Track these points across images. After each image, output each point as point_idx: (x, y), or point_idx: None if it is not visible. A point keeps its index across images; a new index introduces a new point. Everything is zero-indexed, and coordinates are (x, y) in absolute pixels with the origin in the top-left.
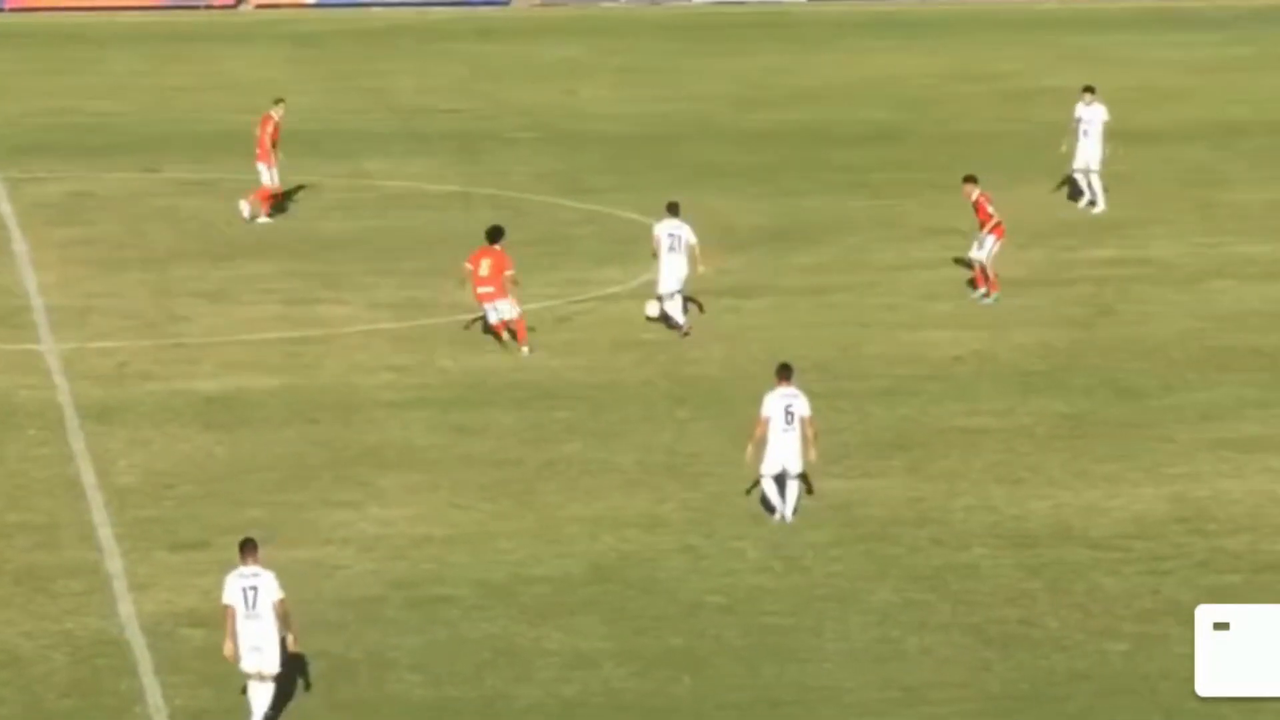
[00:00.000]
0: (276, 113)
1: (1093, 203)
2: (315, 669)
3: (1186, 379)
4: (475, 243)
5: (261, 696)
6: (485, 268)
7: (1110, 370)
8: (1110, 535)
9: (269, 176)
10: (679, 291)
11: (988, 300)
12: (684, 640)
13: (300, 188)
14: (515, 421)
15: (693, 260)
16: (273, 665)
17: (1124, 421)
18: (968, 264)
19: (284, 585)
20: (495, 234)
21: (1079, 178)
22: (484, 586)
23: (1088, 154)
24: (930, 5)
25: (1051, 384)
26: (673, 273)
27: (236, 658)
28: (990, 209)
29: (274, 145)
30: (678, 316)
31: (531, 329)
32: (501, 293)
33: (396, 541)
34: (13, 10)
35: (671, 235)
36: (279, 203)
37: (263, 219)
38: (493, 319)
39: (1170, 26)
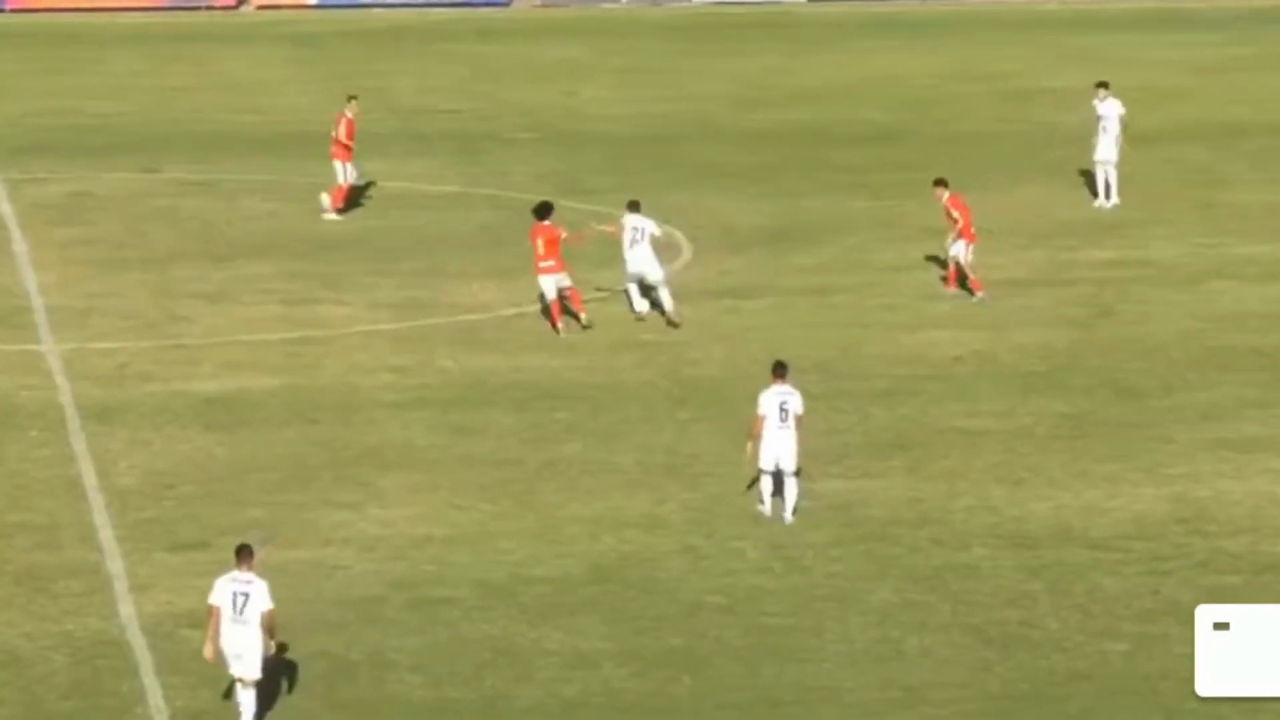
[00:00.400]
0: (351, 109)
1: (1106, 197)
2: (315, 669)
3: (1187, 379)
4: (476, 243)
5: (246, 702)
6: (541, 245)
7: (1110, 371)
8: (1110, 536)
9: (344, 173)
10: (652, 283)
11: (979, 297)
12: (684, 640)
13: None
14: (515, 422)
15: (658, 250)
16: (253, 672)
17: (1124, 422)
18: (944, 263)
19: (275, 594)
20: (544, 209)
21: (1098, 171)
22: (484, 587)
23: (1106, 149)
24: (930, 6)
25: (1051, 384)
26: (636, 265)
27: (218, 659)
28: (955, 213)
29: (348, 143)
30: (639, 305)
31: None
32: (560, 266)
33: (397, 542)
34: (13, 10)
35: (635, 229)
36: (351, 200)
37: (331, 215)
38: (550, 295)
39: (1170, 27)
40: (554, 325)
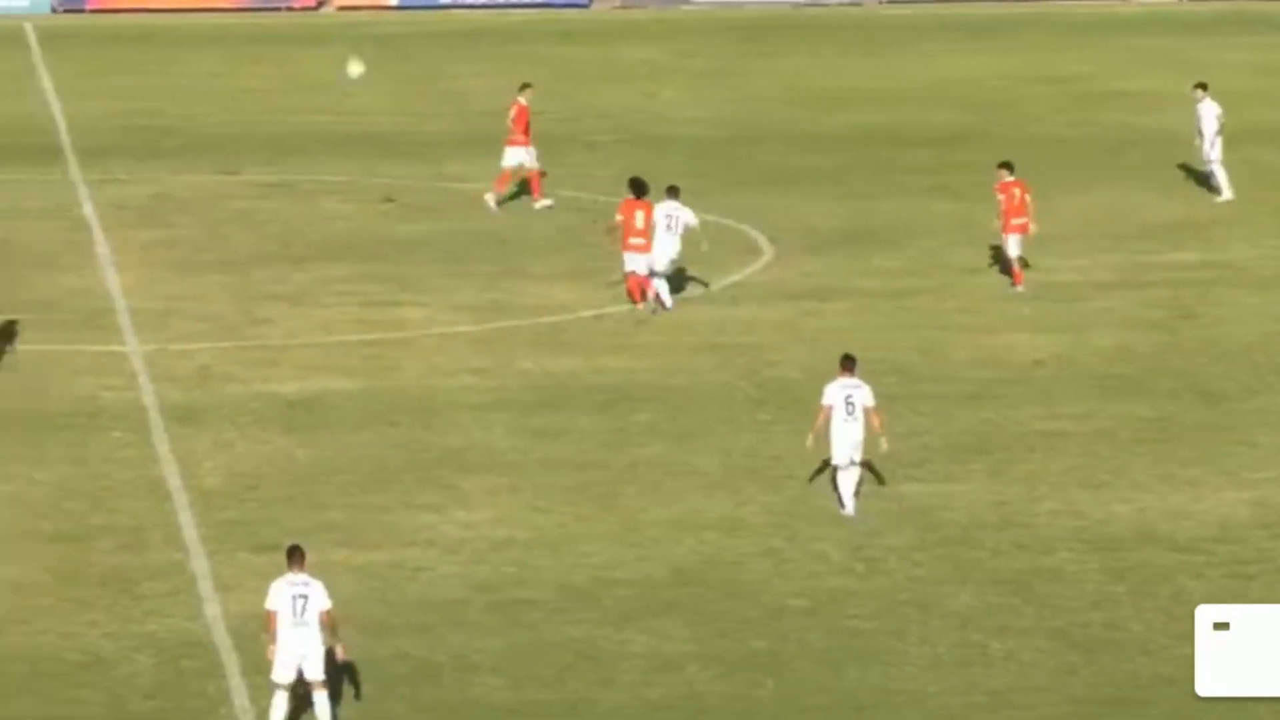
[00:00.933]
0: (524, 97)
1: (1217, 191)
2: (398, 671)
3: (1268, 382)
4: (556, 245)
5: (319, 703)
6: (640, 220)
7: (1192, 374)
8: (1194, 539)
9: (527, 159)
10: (665, 273)
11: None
12: (767, 643)
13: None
14: (595, 424)
15: (689, 241)
16: (319, 673)
17: (1206, 425)
18: (1023, 264)
19: (335, 594)
20: (643, 187)
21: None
22: (566, 589)
23: (1204, 149)
24: (1002, 7)
25: (1133, 387)
26: (664, 253)
27: (276, 665)
28: (1000, 196)
29: (525, 131)
30: (665, 298)
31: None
32: (649, 246)
33: (478, 544)
34: (94, 11)
35: (669, 216)
36: (520, 185)
37: (544, 203)
38: (643, 270)
39: (1243, 29)
40: (635, 300)
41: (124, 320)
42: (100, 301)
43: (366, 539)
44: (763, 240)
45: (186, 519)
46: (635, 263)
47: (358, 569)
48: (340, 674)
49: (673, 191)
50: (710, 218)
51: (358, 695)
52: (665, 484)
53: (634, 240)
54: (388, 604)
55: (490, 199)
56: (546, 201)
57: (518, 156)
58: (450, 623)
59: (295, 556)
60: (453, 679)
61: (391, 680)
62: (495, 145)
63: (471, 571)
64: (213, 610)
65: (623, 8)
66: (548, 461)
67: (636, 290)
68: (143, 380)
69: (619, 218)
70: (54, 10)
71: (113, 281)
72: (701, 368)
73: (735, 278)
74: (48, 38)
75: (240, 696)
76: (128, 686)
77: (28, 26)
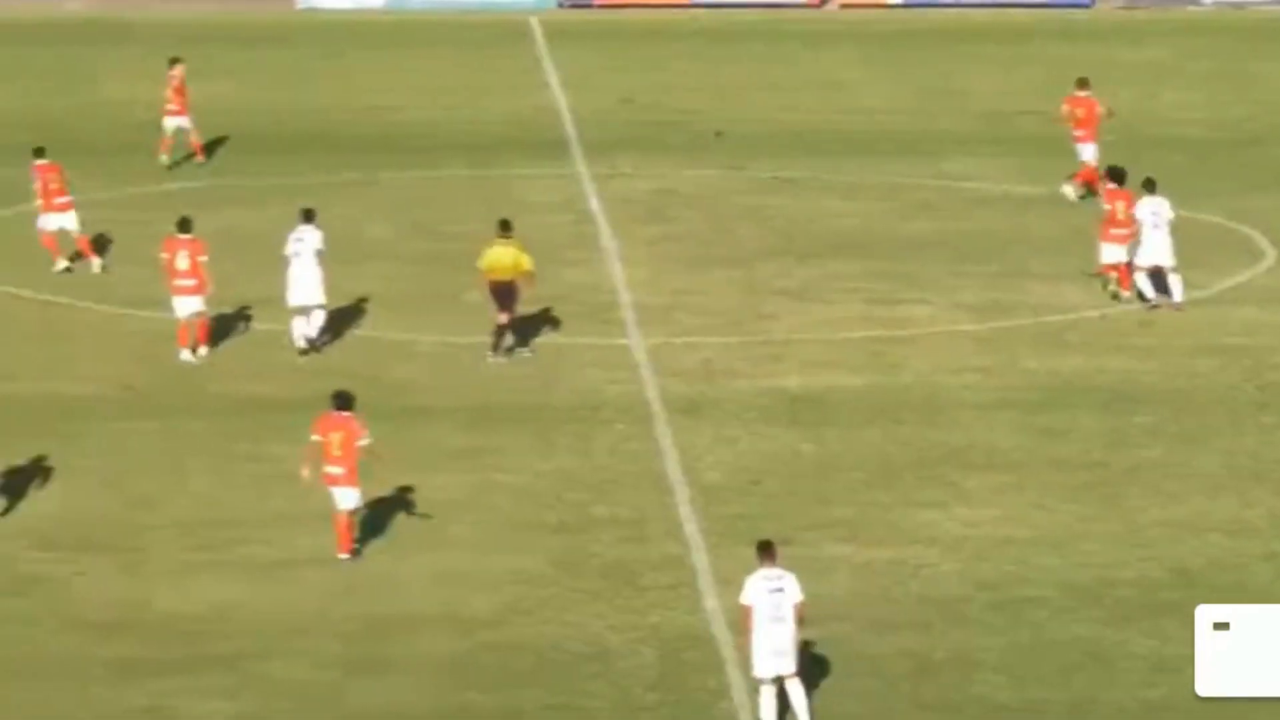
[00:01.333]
0: (1083, 92)
1: None
2: (900, 668)
3: None
4: (1062, 246)
5: (796, 697)
6: (1120, 210)
7: None
8: None
9: (1088, 154)
10: (1165, 267)
11: None
12: None
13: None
14: (1097, 424)
15: (1175, 236)
16: (794, 666)
17: None
18: None
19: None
20: (1123, 175)
21: None
22: (1069, 588)
23: None
24: None
25: None
26: (1152, 249)
27: (753, 661)
28: None
29: (1085, 124)
30: (1148, 292)
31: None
32: (1130, 236)
33: (981, 542)
34: (601, 6)
35: (1154, 214)
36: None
37: (1069, 192)
38: (1112, 260)
39: None
40: (1125, 289)
41: (628, 314)
42: (606, 295)
43: (869, 535)
44: (1265, 243)
45: (687, 512)
46: (1114, 253)
47: (860, 566)
48: (812, 665)
49: (1150, 185)
50: (1213, 219)
51: (817, 685)
52: (1167, 485)
53: (1114, 231)
54: (890, 601)
55: (1069, 190)
56: (1069, 189)
57: (1090, 151)
58: (951, 620)
59: (768, 552)
60: (954, 676)
61: (893, 677)
62: (999, 145)
63: (973, 569)
64: (712, 604)
65: (1126, 8)
66: (1050, 460)
67: (1110, 272)
68: (646, 374)
69: (1106, 207)
70: (560, 6)
71: (618, 275)
72: (1203, 369)
73: (1238, 279)
74: (553, 33)
75: (738, 691)
76: (632, 679)
77: (534, 22)
